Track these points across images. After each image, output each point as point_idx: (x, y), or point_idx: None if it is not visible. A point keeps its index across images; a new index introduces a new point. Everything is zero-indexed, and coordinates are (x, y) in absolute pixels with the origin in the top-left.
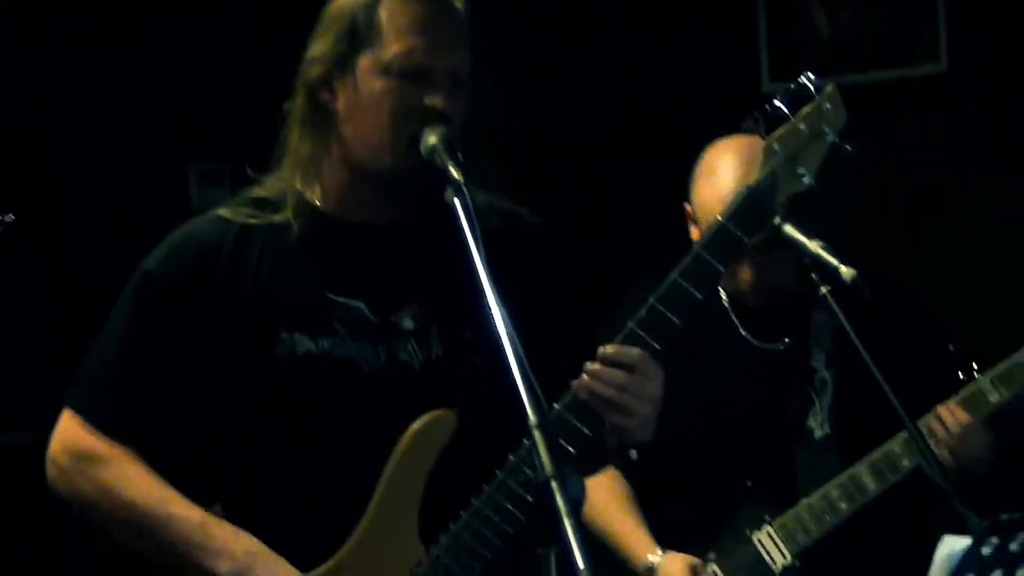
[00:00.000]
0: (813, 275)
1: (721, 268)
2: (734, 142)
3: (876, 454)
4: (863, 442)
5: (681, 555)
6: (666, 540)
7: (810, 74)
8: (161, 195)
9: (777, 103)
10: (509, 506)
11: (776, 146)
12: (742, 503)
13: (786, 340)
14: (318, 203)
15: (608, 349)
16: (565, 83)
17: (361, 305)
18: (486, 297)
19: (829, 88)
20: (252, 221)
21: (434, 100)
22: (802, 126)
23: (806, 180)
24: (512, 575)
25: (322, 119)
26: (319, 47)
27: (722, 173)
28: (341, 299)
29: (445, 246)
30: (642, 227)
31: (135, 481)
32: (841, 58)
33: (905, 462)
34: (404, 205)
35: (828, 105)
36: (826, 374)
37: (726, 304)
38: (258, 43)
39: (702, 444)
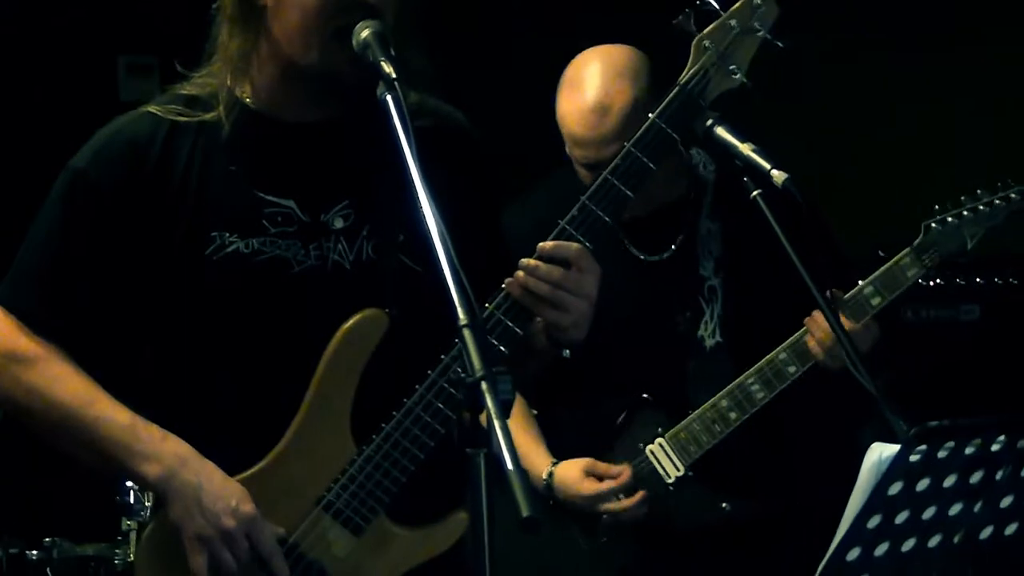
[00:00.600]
0: (745, 179)
1: (652, 165)
2: (600, 52)
3: (763, 361)
4: (755, 350)
5: (574, 460)
6: (566, 451)
7: None
8: (88, 87)
9: None
10: (440, 405)
11: (707, 43)
12: (636, 415)
13: (671, 248)
14: (249, 101)
15: (546, 245)
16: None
17: (292, 204)
18: (417, 195)
19: None
20: (182, 119)
21: None
22: (733, 22)
23: (737, 77)
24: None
25: (251, 15)
26: None
27: (583, 85)
28: (272, 198)
29: (377, 145)
30: None
31: (64, 381)
32: None
33: (792, 369)
34: (335, 103)
35: (759, 0)
36: (715, 282)
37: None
38: None
39: (596, 356)
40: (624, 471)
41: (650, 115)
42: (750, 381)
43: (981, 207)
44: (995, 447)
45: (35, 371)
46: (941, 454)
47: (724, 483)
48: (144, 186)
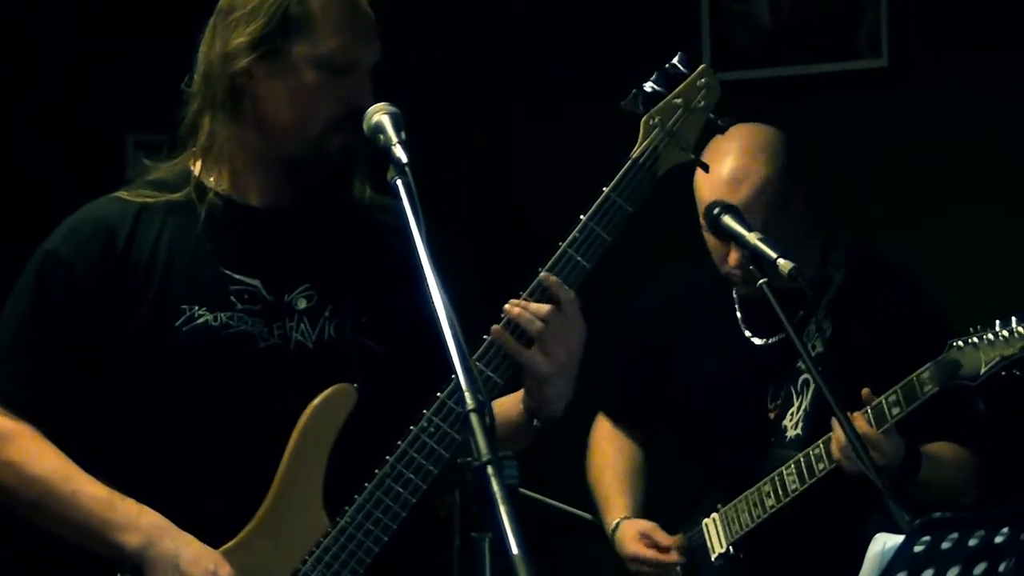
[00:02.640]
0: (751, 267)
1: (608, 237)
2: (741, 129)
3: (802, 454)
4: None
5: (638, 520)
6: (653, 514)
7: (682, 54)
8: (97, 165)
9: (653, 81)
10: (411, 476)
11: (654, 120)
12: (708, 488)
13: (779, 335)
14: (216, 186)
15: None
16: (497, 65)
17: (258, 284)
18: (423, 278)
19: (702, 66)
20: (150, 200)
21: (362, 98)
22: (678, 101)
23: (683, 153)
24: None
25: (235, 100)
26: (245, 29)
27: (721, 158)
28: (238, 276)
29: (339, 229)
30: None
31: (40, 458)
32: (782, 50)
33: (821, 465)
34: (300, 189)
35: (702, 80)
36: (810, 376)
37: (735, 296)
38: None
39: (687, 431)
40: (673, 542)
41: (604, 188)
42: (788, 471)
43: (1002, 334)
44: (999, 539)
45: (11, 448)
46: (945, 545)
47: (760, 566)
48: (115, 264)
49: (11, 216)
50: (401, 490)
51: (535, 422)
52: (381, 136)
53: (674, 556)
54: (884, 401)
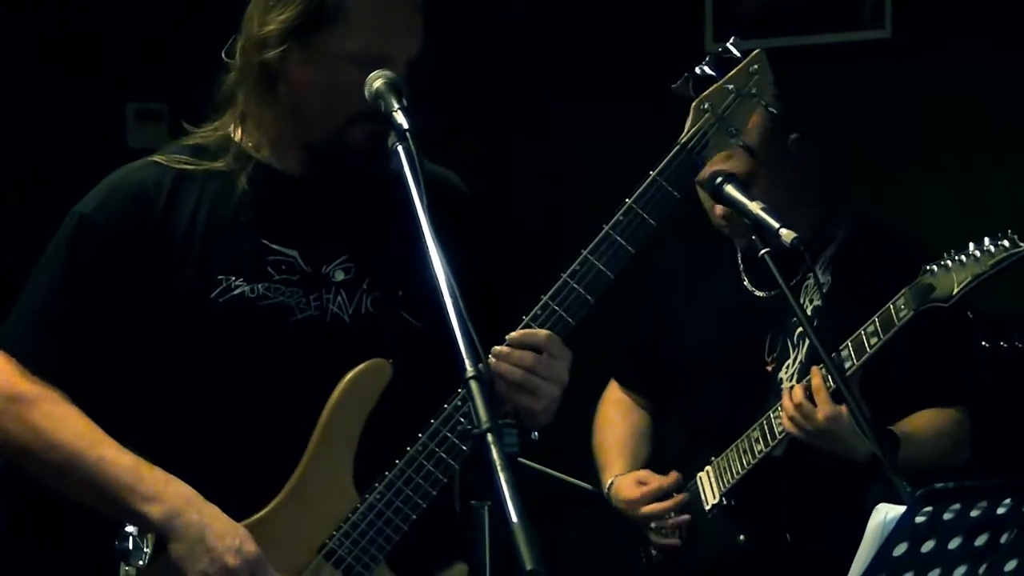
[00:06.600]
0: (754, 236)
1: (652, 222)
2: None
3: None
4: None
5: (633, 473)
6: (657, 467)
7: (736, 39)
8: (97, 133)
9: (705, 65)
10: (443, 455)
11: (706, 105)
12: (702, 440)
13: (775, 290)
14: (257, 155)
15: (515, 334)
16: (499, 43)
17: (295, 254)
18: (424, 244)
19: (756, 52)
20: (188, 167)
21: None
22: (730, 87)
23: (734, 140)
24: (444, 526)
25: (268, 80)
26: (279, 15)
27: None
28: (276, 246)
29: (379, 200)
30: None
31: (66, 423)
32: (786, 21)
33: None
34: (341, 160)
35: (755, 67)
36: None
37: (738, 249)
38: None
39: (686, 386)
40: (672, 476)
41: (651, 173)
42: (775, 414)
43: (973, 254)
44: (1001, 510)
45: (37, 412)
46: (947, 516)
47: (752, 514)
48: (150, 233)
49: (14, 184)
50: (432, 468)
51: (533, 435)
52: (382, 103)
53: (674, 483)
54: (863, 332)
